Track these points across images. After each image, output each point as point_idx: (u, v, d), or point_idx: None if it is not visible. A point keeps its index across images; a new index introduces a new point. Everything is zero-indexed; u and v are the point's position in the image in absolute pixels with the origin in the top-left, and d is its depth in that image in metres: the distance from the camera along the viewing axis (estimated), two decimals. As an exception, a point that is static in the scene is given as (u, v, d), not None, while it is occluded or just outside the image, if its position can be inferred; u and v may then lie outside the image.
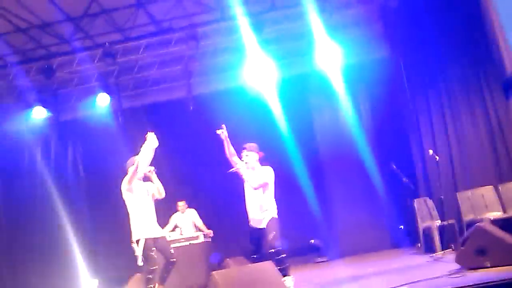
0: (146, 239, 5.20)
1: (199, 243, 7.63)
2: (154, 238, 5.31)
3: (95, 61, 9.21)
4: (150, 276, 5.14)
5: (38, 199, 9.89)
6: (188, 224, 8.14)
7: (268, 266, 4.41)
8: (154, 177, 5.53)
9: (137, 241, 5.21)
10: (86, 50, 9.06)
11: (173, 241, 7.66)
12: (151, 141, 5.43)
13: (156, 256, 5.21)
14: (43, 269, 9.41)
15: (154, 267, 5.16)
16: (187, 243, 7.64)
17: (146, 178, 5.58)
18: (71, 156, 10.49)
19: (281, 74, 9.20)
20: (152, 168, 5.51)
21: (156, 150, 9.74)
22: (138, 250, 5.17)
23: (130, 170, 5.32)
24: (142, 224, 5.29)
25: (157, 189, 5.53)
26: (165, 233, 7.91)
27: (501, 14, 7.57)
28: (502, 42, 7.52)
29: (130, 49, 9.32)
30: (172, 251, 5.51)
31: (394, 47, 8.38)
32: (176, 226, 8.17)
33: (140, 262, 5.18)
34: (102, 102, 9.68)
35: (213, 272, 4.20)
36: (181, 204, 8.20)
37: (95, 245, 9.98)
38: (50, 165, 10.07)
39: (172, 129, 9.90)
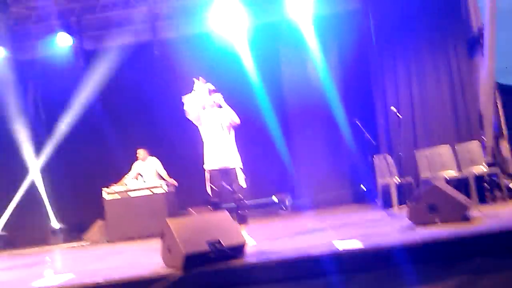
0: (209, 171, 5.10)
1: (162, 192, 7.60)
2: (220, 169, 5.10)
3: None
4: (211, 208, 5.06)
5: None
6: (150, 173, 8.04)
7: (225, 216, 4.41)
8: (222, 103, 5.26)
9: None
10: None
11: (136, 190, 7.63)
12: (198, 88, 5.17)
13: (218, 189, 5.06)
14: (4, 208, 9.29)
15: (215, 200, 5.06)
16: (149, 192, 7.61)
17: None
18: (32, 97, 10.13)
19: (251, 21, 8.95)
20: (218, 95, 5.24)
21: (120, 95, 9.65)
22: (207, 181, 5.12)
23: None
24: (207, 155, 5.15)
25: (228, 116, 5.23)
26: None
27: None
28: (471, 1, 7.47)
29: (91, -14, 8.84)
30: (239, 186, 5.12)
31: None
32: (139, 174, 8.08)
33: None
34: (63, 42, 9.29)
35: (168, 219, 4.17)
36: (141, 152, 8.05)
37: (57, 188, 9.85)
38: (10, 107, 9.71)
39: (136, 73, 9.62)
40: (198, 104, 5.17)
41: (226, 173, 5.14)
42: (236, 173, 5.14)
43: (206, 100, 5.23)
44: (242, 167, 5.20)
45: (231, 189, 5.12)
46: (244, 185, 5.15)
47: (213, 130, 5.20)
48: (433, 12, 7.63)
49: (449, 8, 7.60)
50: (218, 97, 5.27)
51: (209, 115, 5.24)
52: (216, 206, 5.06)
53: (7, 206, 9.21)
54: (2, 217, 9.21)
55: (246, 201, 5.13)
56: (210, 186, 5.07)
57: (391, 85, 7.82)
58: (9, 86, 9.67)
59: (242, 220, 5.08)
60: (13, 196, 9.26)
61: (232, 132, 5.29)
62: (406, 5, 7.73)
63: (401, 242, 3.96)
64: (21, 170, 9.40)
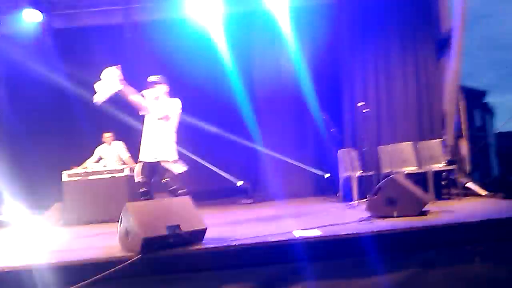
0: (140, 162, 5.37)
1: (122, 176, 7.50)
2: (150, 162, 5.34)
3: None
4: (142, 198, 5.30)
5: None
6: (113, 157, 7.93)
7: (186, 201, 4.41)
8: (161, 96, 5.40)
9: None
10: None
11: (96, 173, 7.51)
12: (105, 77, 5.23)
13: (147, 180, 5.34)
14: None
15: (144, 189, 5.33)
16: (110, 175, 7.49)
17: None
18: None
19: (226, 9, 8.88)
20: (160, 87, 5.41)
21: (88, 76, 9.43)
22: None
23: None
24: (141, 147, 5.41)
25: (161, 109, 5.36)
26: (91, 164, 7.77)
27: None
28: (442, 2, 7.64)
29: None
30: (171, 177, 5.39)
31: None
32: (100, 158, 7.97)
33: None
34: (30, 18, 8.99)
35: (128, 203, 4.14)
36: (107, 136, 7.96)
37: (20, 169, 9.58)
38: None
39: (106, 56, 9.42)
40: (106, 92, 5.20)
41: (156, 166, 5.32)
42: (164, 166, 5.29)
43: (149, 92, 5.33)
44: (175, 158, 5.34)
45: (161, 181, 5.31)
46: (179, 170, 5.35)
47: (149, 122, 5.37)
48: (405, 11, 7.78)
49: (420, 8, 7.76)
50: (159, 90, 5.35)
51: (149, 107, 5.30)
52: (146, 196, 5.26)
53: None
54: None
55: (182, 191, 5.24)
56: (141, 176, 5.27)
57: (359, 80, 7.94)
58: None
59: None
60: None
61: (170, 124, 5.36)
62: (379, 2, 7.84)
63: (358, 232, 4.06)
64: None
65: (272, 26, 8.75)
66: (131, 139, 8.23)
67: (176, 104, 5.41)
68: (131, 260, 3.67)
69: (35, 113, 9.44)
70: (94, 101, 5.18)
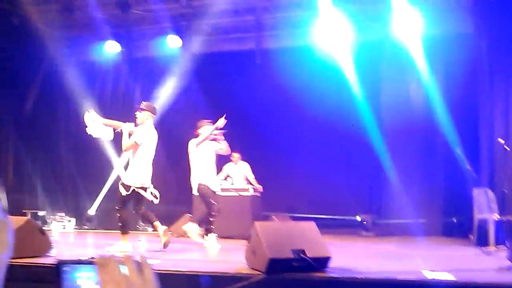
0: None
1: (248, 195, 7.79)
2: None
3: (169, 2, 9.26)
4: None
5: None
6: (239, 176, 8.30)
7: (311, 226, 4.39)
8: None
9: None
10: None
11: (224, 190, 7.85)
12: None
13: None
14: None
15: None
16: (237, 193, 7.82)
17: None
18: (139, 93, 10.78)
19: (354, 37, 8.85)
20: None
21: (220, 99, 9.99)
22: None
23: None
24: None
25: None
26: (218, 181, 8.15)
27: None
28: None
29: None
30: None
31: (480, 23, 7.77)
32: (228, 176, 8.34)
33: None
34: (173, 44, 9.85)
35: (256, 222, 4.25)
36: (236, 156, 8.31)
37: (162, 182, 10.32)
38: (118, 100, 10.46)
39: (237, 80, 9.91)
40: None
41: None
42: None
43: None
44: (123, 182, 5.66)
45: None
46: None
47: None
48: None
49: None
50: (140, 118, 5.74)
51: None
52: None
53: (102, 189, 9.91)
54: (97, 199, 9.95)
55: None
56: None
57: (501, 115, 7.32)
58: (120, 81, 10.48)
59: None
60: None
61: (140, 151, 5.61)
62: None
63: (500, 282, 3.68)
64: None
65: (402, 55, 8.51)
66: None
67: (143, 132, 5.55)
68: (257, 278, 3.74)
69: (174, 132, 10.08)
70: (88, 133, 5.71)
